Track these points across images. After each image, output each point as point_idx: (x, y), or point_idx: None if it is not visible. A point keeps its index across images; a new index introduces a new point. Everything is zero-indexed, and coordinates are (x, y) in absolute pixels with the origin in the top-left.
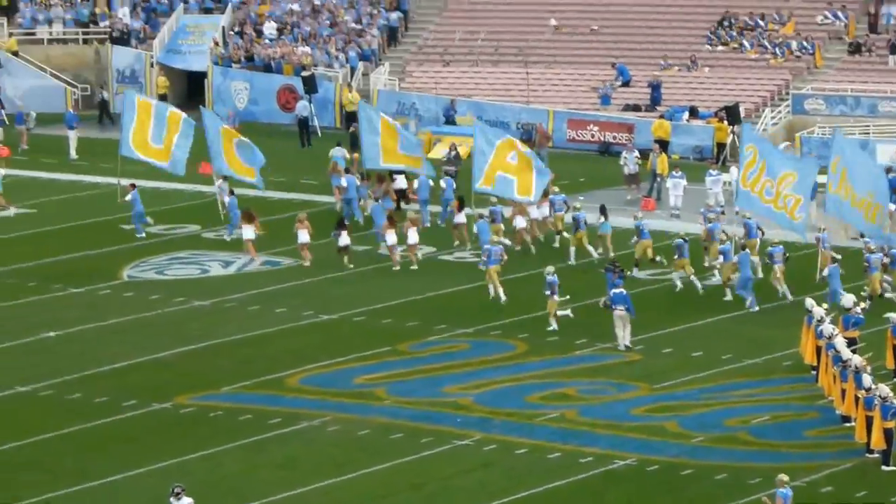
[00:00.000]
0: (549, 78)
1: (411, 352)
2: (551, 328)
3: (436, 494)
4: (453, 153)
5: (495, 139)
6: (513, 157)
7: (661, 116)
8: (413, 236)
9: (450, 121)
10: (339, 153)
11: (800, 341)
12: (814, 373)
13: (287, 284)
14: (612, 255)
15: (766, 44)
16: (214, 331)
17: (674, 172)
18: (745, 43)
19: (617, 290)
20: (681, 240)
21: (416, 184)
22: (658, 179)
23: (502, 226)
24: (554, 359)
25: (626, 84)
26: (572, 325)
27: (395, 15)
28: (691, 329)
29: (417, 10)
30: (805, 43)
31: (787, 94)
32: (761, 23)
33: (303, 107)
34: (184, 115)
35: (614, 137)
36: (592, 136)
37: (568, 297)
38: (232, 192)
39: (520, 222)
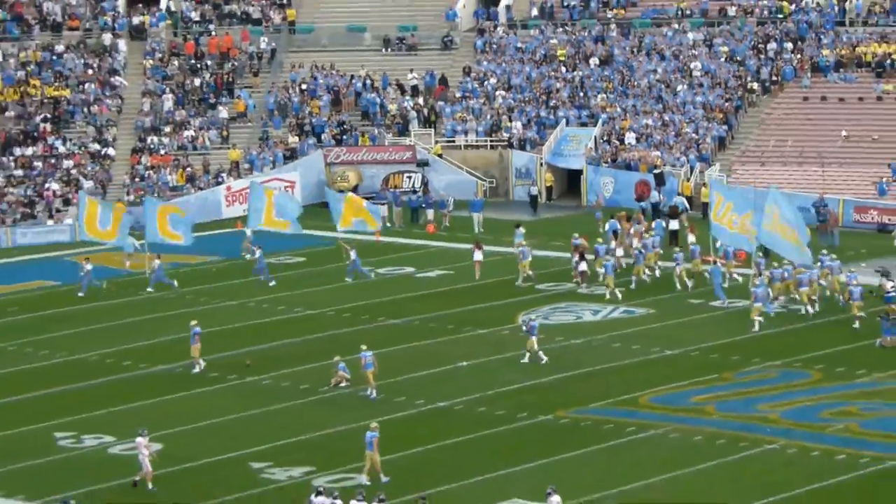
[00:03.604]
0: (840, 175)
1: (735, 378)
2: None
3: (751, 486)
4: None
5: (343, 195)
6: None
7: None
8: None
9: None
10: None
11: None
12: None
13: (640, 328)
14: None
15: None
16: (585, 361)
17: None
18: None
19: None
20: None
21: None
22: None
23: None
24: (841, 384)
25: None
26: (856, 358)
27: (724, 128)
28: None
29: (742, 124)
30: None
31: None
32: None
33: (653, 196)
34: (125, 207)
35: (889, 219)
36: (872, 218)
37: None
38: (158, 257)
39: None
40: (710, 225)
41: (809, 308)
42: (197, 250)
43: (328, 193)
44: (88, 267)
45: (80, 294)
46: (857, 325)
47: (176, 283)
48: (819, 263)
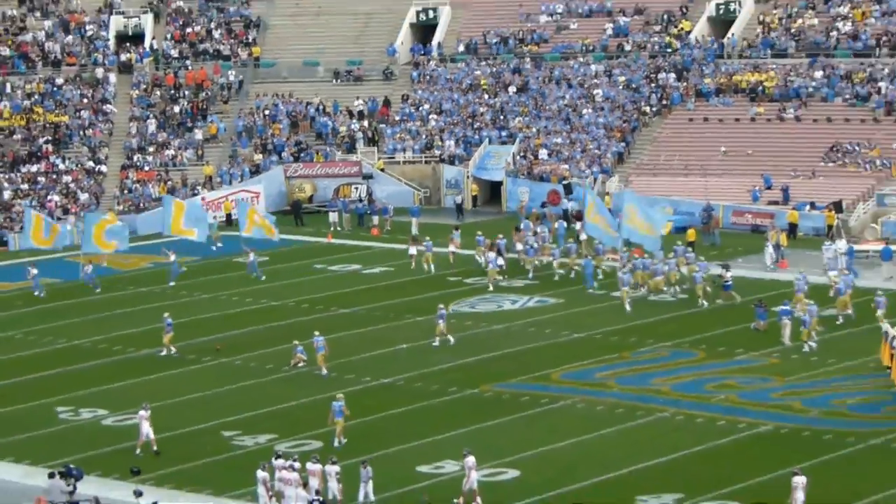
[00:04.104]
0: (720, 184)
1: (632, 357)
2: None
3: (645, 448)
4: None
5: (248, 207)
6: (258, 216)
7: (794, 208)
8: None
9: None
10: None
11: (880, 350)
12: (888, 371)
13: (552, 315)
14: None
15: (860, 161)
16: (505, 344)
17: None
18: (846, 161)
19: (784, 307)
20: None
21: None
22: (781, 249)
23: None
24: (723, 361)
25: (769, 187)
26: (735, 340)
27: (622, 145)
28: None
29: (637, 142)
30: (885, 161)
31: (873, 194)
32: (857, 148)
33: (564, 203)
34: (59, 224)
35: (761, 222)
36: (747, 221)
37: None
38: (90, 262)
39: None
40: (584, 224)
41: (668, 295)
42: (175, 251)
43: (239, 206)
44: (35, 271)
45: (38, 294)
46: (703, 303)
47: (99, 289)
48: (673, 254)
